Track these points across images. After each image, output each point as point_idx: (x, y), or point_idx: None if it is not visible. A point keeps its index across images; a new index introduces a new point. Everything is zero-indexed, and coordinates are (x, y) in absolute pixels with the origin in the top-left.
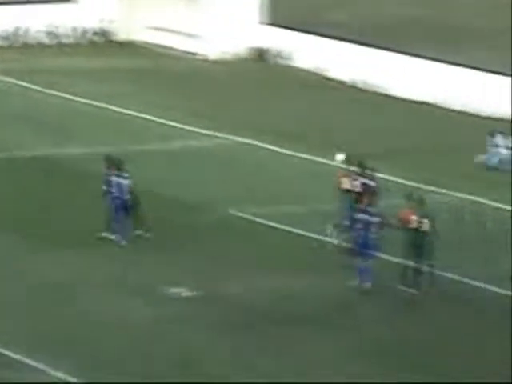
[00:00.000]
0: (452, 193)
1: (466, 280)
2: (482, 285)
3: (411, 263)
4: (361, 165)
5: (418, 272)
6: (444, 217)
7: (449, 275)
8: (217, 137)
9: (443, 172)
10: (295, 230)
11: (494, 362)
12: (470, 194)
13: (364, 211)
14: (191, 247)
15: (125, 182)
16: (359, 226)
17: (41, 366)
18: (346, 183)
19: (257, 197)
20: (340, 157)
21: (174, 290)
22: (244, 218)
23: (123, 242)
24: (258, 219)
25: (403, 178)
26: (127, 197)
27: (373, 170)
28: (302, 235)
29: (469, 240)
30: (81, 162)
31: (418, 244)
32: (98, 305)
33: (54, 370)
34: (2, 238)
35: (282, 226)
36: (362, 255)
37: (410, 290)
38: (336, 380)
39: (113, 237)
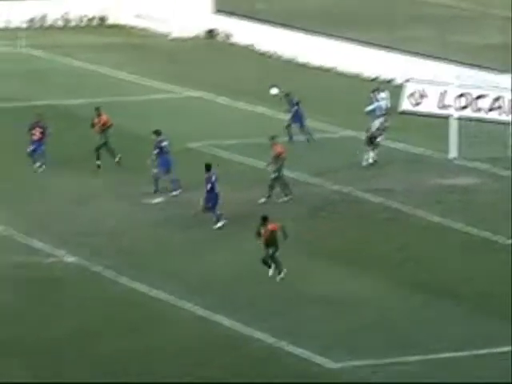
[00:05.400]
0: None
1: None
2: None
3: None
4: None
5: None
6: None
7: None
8: (179, 91)
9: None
10: (228, 156)
11: None
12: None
13: None
14: None
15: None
16: None
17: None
18: None
19: (208, 134)
20: (274, 91)
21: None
22: (195, 149)
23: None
24: (205, 150)
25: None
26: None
27: None
28: (234, 160)
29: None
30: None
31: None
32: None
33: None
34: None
35: (223, 155)
36: None
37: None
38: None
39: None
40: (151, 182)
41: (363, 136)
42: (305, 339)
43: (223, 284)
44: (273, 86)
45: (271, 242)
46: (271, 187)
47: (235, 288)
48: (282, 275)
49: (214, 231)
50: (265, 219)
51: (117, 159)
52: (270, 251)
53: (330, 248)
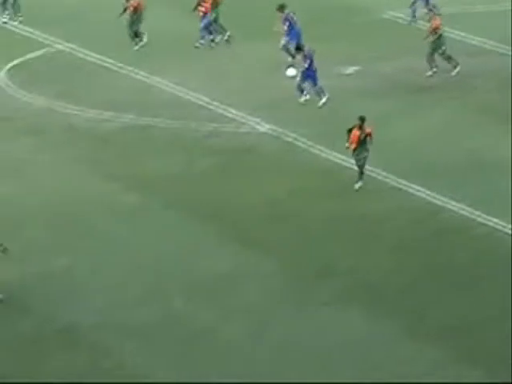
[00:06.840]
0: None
1: None
2: None
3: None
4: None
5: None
6: None
7: None
8: None
9: None
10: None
11: None
12: None
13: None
14: (350, 39)
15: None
16: None
17: None
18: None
19: (402, 4)
20: (291, 72)
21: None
22: (390, 20)
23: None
24: (399, 20)
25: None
26: None
27: None
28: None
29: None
30: None
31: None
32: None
33: None
34: None
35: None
36: None
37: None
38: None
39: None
40: (343, 53)
41: None
42: (499, 209)
43: (413, 150)
44: (289, 66)
45: (363, 145)
46: (448, 59)
47: (426, 155)
48: (360, 184)
49: (407, 101)
50: (362, 120)
51: (222, 38)
52: (362, 156)
53: None
